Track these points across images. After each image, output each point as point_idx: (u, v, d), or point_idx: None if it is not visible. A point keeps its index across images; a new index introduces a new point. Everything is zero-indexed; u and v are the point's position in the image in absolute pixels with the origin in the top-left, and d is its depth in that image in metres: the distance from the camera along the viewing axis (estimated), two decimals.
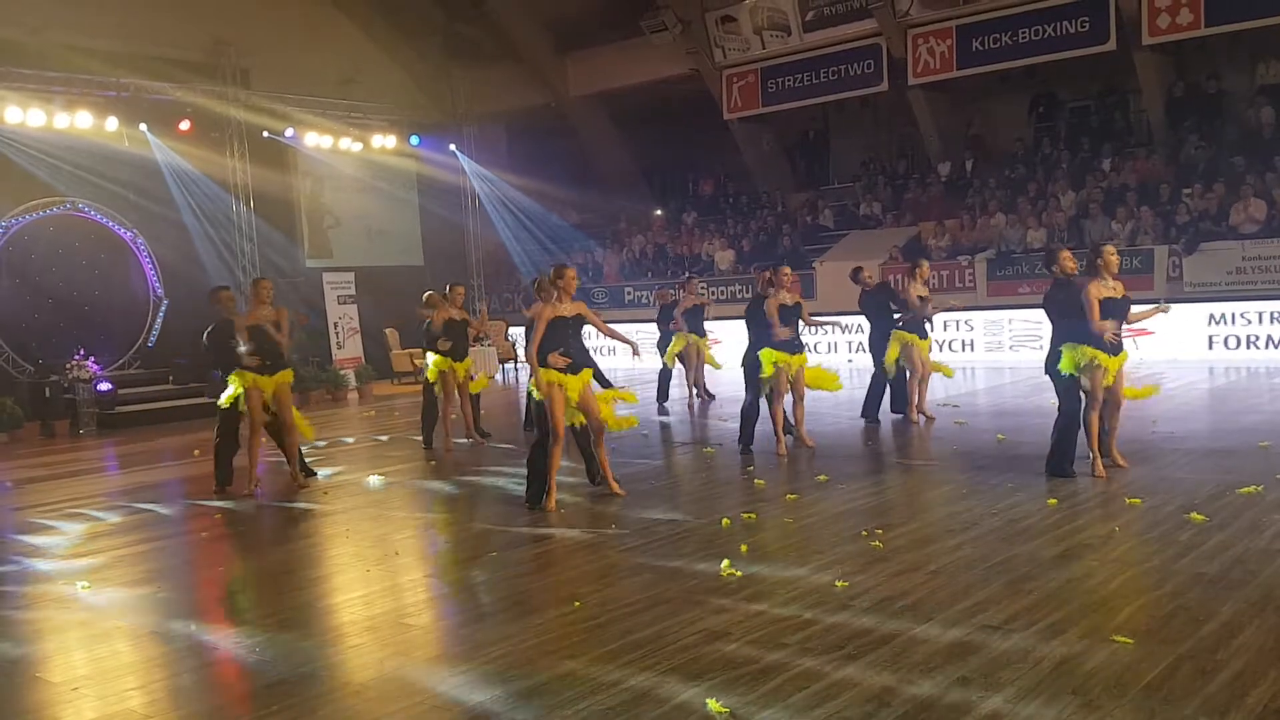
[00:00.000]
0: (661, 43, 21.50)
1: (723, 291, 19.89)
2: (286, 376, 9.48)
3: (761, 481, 8.53)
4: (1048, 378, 8.08)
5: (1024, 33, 18.66)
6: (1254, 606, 4.82)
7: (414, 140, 21.53)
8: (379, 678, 4.67)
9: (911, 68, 19.92)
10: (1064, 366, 7.83)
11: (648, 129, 23.68)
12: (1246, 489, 7.06)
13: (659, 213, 24.73)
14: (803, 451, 9.78)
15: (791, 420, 10.03)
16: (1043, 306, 8.28)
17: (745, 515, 7.23)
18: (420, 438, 11.70)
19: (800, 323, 9.77)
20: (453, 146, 22.58)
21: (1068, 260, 7.99)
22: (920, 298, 11.01)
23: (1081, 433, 7.91)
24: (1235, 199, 16.22)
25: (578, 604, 5.45)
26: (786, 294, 9.72)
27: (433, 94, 22.94)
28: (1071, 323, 7.75)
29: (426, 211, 23.00)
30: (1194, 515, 6.44)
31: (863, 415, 11.28)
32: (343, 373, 19.27)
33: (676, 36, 21.40)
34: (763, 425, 9.91)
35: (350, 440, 13.01)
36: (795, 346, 9.66)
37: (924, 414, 11.19)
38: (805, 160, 24.20)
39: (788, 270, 10.05)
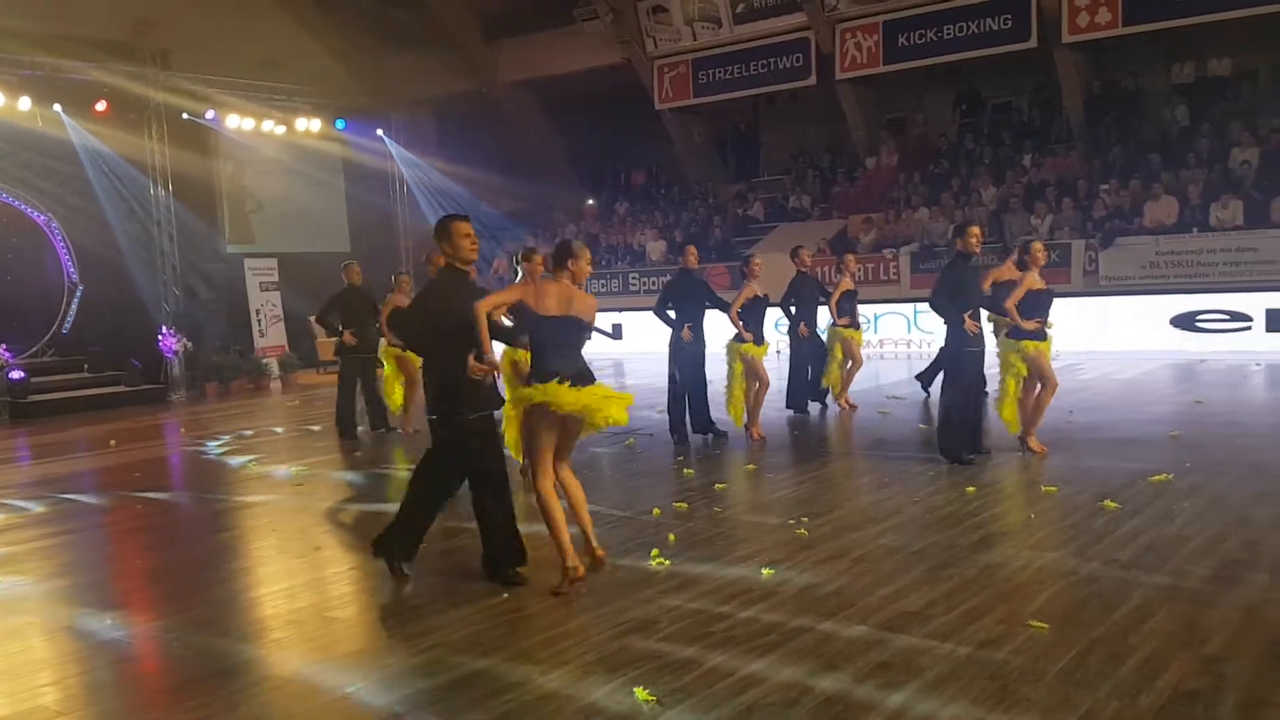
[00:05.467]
0: (593, 31, 21.44)
1: (654, 282, 19.93)
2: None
3: (691, 471, 8.59)
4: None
5: (949, 29, 19.03)
6: (1164, 592, 4.99)
7: (339, 124, 21.18)
8: (300, 672, 4.60)
9: (839, 62, 20.17)
10: (1016, 363, 8.19)
11: (580, 118, 23.61)
12: (1157, 477, 7.30)
13: (591, 202, 24.70)
14: (743, 441, 9.86)
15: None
16: (932, 292, 8.38)
17: (677, 505, 7.27)
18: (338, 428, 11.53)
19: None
20: (380, 132, 22.26)
21: (975, 237, 8.19)
22: (846, 292, 11.30)
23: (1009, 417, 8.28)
24: (1149, 196, 16.73)
25: (505, 596, 5.43)
26: (757, 285, 9.90)
27: (360, 78, 22.56)
28: (968, 303, 8.00)
29: (353, 197, 22.63)
30: (1107, 503, 6.64)
31: (788, 406, 11.41)
32: (265, 362, 18.91)
33: (608, 25, 21.36)
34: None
35: (272, 430, 12.78)
36: (760, 338, 9.94)
37: (848, 404, 11.43)
38: (736, 152, 24.36)
39: (759, 261, 10.25)
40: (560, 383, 5.26)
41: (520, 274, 8.23)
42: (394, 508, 7.86)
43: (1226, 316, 15.17)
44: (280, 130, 20.14)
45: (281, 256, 20.49)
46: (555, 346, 5.42)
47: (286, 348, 19.95)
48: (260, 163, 20.91)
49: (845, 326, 11.32)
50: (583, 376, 5.40)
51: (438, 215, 24.79)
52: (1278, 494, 6.74)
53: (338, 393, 11.49)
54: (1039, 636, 4.48)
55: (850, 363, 11.50)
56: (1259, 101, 17.96)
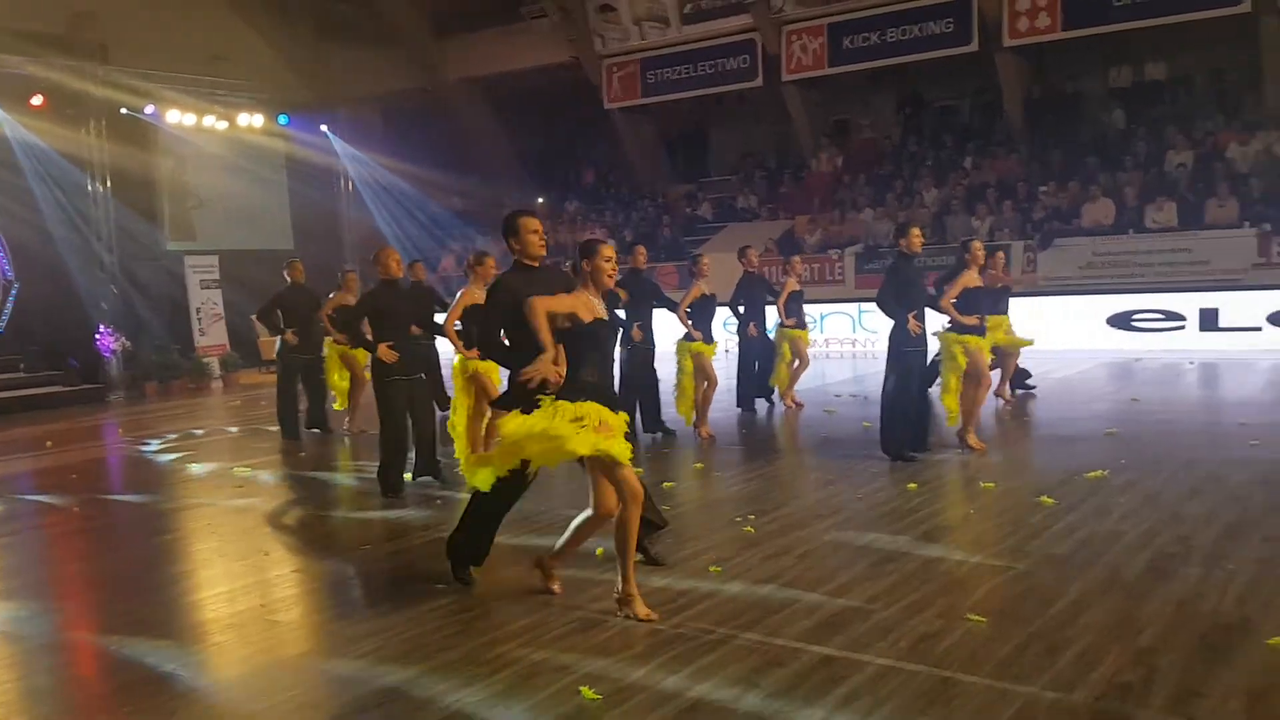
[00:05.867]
0: (541, 30, 21.43)
1: None
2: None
3: (640, 470, 8.57)
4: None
5: (892, 32, 19.30)
6: (1100, 586, 5.11)
7: (282, 120, 20.88)
8: (243, 676, 4.55)
9: (785, 64, 20.35)
10: (958, 356, 8.34)
11: (529, 116, 23.56)
12: (1093, 474, 7.46)
13: (541, 201, 24.63)
14: (692, 440, 9.91)
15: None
16: (879, 292, 8.50)
17: None
18: (278, 429, 11.39)
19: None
20: (325, 128, 22.00)
21: (917, 237, 8.32)
22: (793, 293, 11.47)
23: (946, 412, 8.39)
24: (1087, 198, 17.09)
25: (450, 596, 5.41)
26: (705, 284, 9.96)
27: (305, 74, 22.28)
28: (913, 301, 8.15)
29: (296, 194, 22.30)
30: (1045, 499, 6.78)
31: (738, 405, 11.49)
32: (206, 361, 18.61)
33: (556, 24, 21.33)
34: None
35: (213, 431, 12.59)
36: (709, 337, 10.03)
37: (794, 402, 11.56)
38: (684, 152, 24.47)
39: (707, 260, 10.32)
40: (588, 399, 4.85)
41: (473, 278, 8.19)
42: (338, 510, 7.82)
43: (1161, 316, 15.55)
44: (222, 126, 19.79)
45: (223, 254, 20.14)
46: (602, 358, 5.04)
47: (228, 347, 19.62)
48: (202, 159, 20.52)
49: (792, 327, 11.45)
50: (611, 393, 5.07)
51: (383, 212, 24.48)
52: (1210, 490, 6.93)
53: (278, 393, 11.35)
54: (977, 630, 4.57)
55: (797, 362, 11.64)
56: (1194, 105, 18.44)
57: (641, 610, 4.87)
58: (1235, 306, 14.97)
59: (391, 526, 7.16)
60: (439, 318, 8.87)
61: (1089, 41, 18.48)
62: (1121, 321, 15.65)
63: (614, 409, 4.96)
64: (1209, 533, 5.92)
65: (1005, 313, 10.89)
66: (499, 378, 8.23)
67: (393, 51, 22.64)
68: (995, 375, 10.58)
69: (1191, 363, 13.93)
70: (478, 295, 7.98)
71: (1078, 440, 9.01)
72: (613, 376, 5.10)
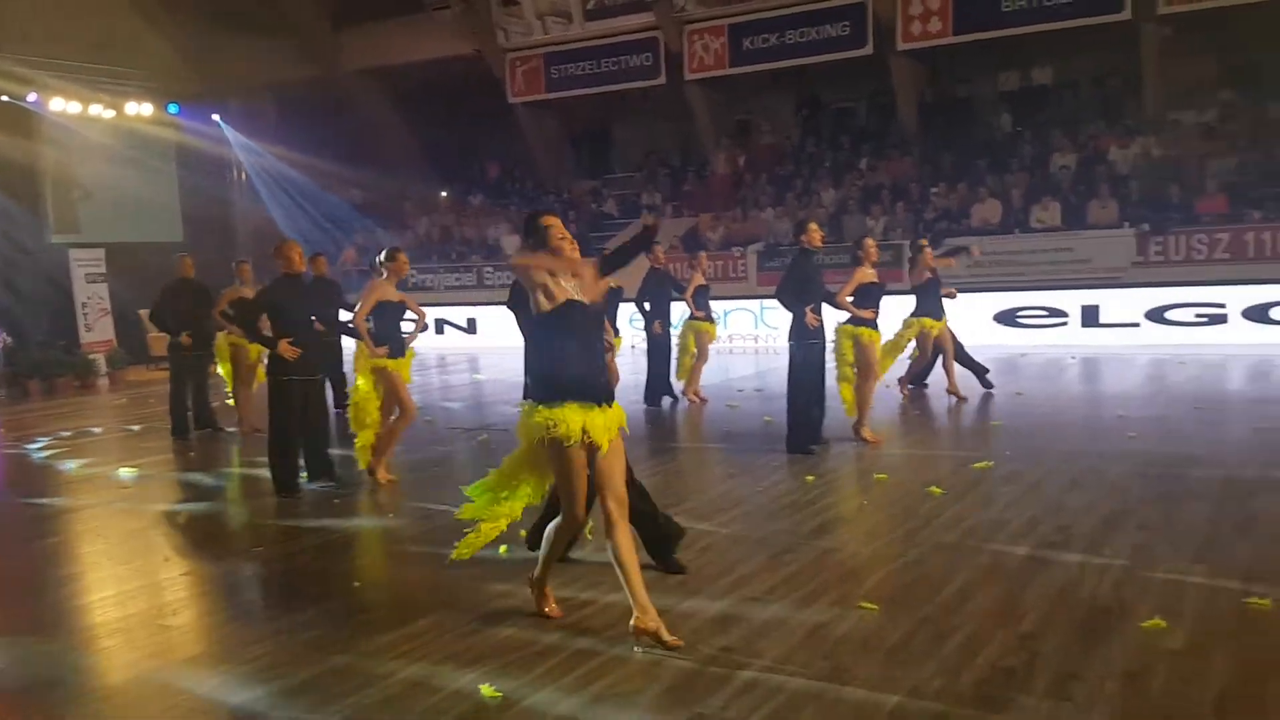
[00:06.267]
0: (443, 21, 21.17)
1: (509, 276, 19.76)
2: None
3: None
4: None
5: (791, 34, 19.62)
6: (985, 573, 5.31)
7: (172, 109, 20.24)
8: (131, 680, 4.43)
9: (687, 63, 20.52)
10: (846, 350, 8.54)
11: (431, 109, 23.26)
12: (980, 464, 7.74)
13: (445, 194, 24.36)
14: None
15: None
16: (779, 286, 8.68)
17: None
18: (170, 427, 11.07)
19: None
20: (216, 117, 21.39)
21: (816, 232, 8.52)
22: (700, 287, 11.66)
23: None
24: (976, 198, 17.65)
25: (348, 598, 5.35)
26: (611, 278, 10.00)
27: (195, 62, 21.60)
28: (811, 297, 8.35)
29: (187, 185, 21.67)
30: (934, 489, 7.00)
31: (645, 401, 11.57)
32: (92, 358, 17.92)
33: (458, 16, 21.11)
34: None
35: (100, 430, 12.15)
36: (615, 331, 10.07)
37: (698, 397, 11.69)
38: (589, 149, 24.48)
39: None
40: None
41: (385, 274, 8.03)
42: (230, 511, 7.62)
43: (1045, 313, 16.15)
44: (110, 115, 19.12)
45: (110, 247, 19.42)
46: (583, 346, 4.50)
47: (115, 343, 18.93)
48: (88, 149, 19.77)
49: (702, 319, 11.65)
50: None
51: (278, 203, 23.78)
52: (1089, 481, 7.23)
53: (170, 391, 11.04)
54: (869, 617, 4.71)
55: (699, 356, 11.78)
56: (1078, 108, 19.18)
57: (549, 607, 4.86)
58: (1115, 304, 15.65)
59: (285, 528, 7.02)
60: (347, 315, 8.74)
61: (979, 46, 19.03)
62: (1007, 318, 16.19)
63: (602, 402, 4.50)
64: (1088, 521, 6.18)
65: (939, 310, 11.14)
66: (409, 375, 8.14)
67: (288, 40, 22.11)
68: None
69: (1073, 358, 14.50)
70: (389, 291, 7.94)
71: (966, 433, 9.33)
72: (597, 366, 4.61)
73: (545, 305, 4.45)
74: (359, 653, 4.56)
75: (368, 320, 7.95)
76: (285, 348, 7.53)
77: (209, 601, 5.66)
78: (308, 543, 6.62)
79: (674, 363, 11.76)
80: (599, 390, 4.52)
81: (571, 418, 4.40)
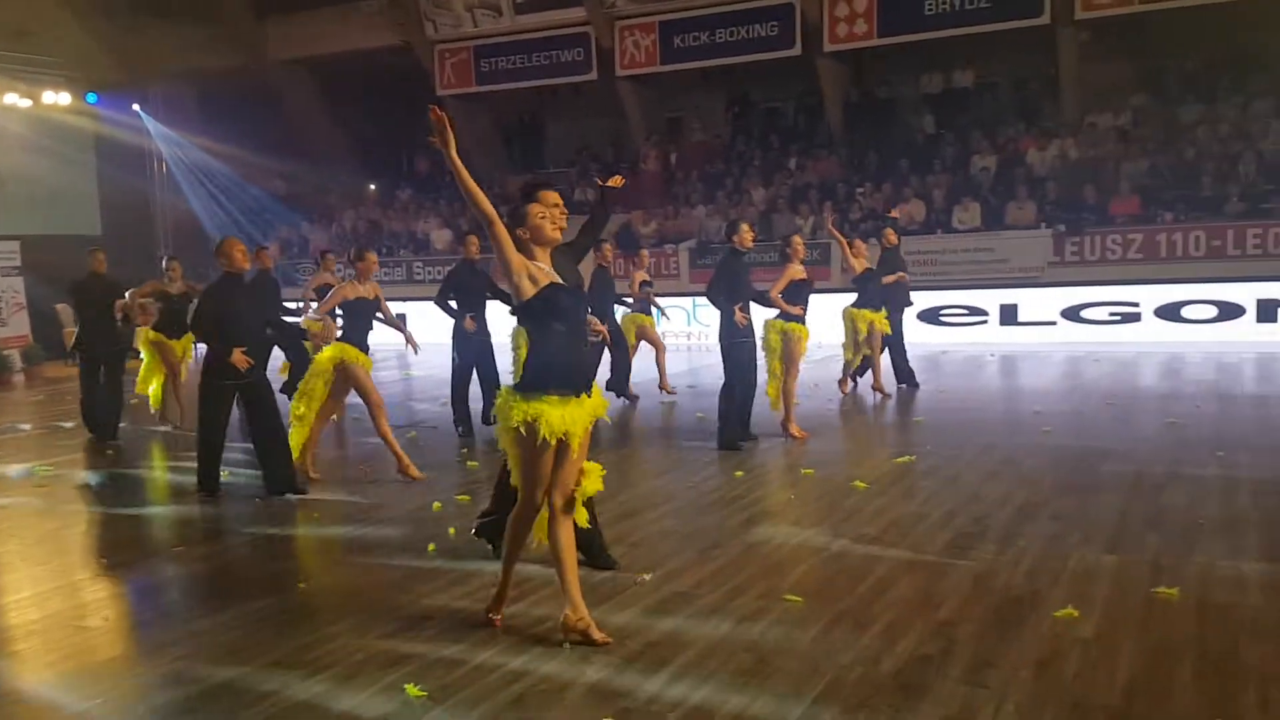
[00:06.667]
0: (370, 11, 20.90)
1: (439, 271, 19.65)
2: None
3: (475, 464, 8.58)
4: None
5: (721, 33, 19.75)
6: (904, 564, 5.44)
7: (91, 98, 19.69)
8: (49, 682, 4.33)
9: (619, 59, 20.54)
10: (775, 345, 8.67)
11: (360, 101, 22.95)
12: (902, 459, 7.92)
13: (372, 188, 24.04)
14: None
15: None
16: (709, 285, 8.80)
17: (460, 498, 7.25)
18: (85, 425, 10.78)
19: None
20: (137, 107, 20.86)
21: (748, 234, 8.64)
22: (643, 283, 11.94)
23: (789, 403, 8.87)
24: (900, 199, 17.96)
25: (270, 598, 5.29)
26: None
27: (115, 50, 21.01)
28: (739, 295, 8.48)
29: (105, 176, 21.09)
30: (858, 483, 7.15)
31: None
32: (7, 354, 17.37)
33: (386, 6, 20.85)
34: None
35: (15, 428, 11.79)
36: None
37: (669, 389, 11.89)
38: (521, 143, 24.33)
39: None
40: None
41: (354, 272, 7.97)
42: (150, 510, 7.48)
43: (966, 311, 16.53)
44: (25, 104, 18.54)
45: (25, 239, 18.82)
46: (569, 331, 4.38)
47: (30, 338, 18.37)
48: (3, 138, 19.14)
49: (639, 311, 11.87)
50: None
51: (199, 194, 23.27)
52: (1005, 473, 7.44)
53: (81, 389, 10.76)
54: (794, 609, 4.80)
55: (637, 350, 11.94)
56: (998, 111, 19.63)
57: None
58: (1033, 302, 16.08)
59: (208, 527, 6.91)
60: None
61: (903, 48, 19.37)
62: (930, 316, 16.51)
63: (587, 389, 4.41)
64: (1003, 513, 6.36)
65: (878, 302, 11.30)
66: (371, 365, 8.01)
67: (211, 29, 21.64)
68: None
69: (992, 355, 14.86)
70: (361, 289, 7.93)
71: (889, 428, 9.53)
72: (582, 351, 4.51)
73: (529, 290, 4.30)
74: (276, 657, 4.48)
75: (335, 315, 7.94)
76: (239, 358, 7.25)
77: (128, 603, 5.54)
78: (228, 542, 6.53)
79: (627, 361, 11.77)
80: (581, 378, 4.41)
81: (551, 414, 4.27)
